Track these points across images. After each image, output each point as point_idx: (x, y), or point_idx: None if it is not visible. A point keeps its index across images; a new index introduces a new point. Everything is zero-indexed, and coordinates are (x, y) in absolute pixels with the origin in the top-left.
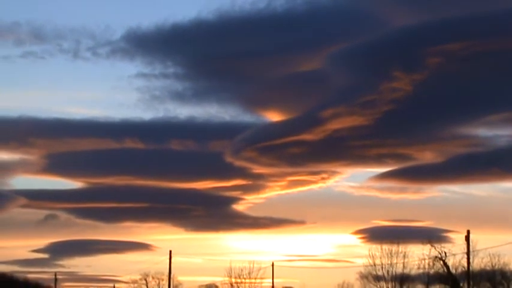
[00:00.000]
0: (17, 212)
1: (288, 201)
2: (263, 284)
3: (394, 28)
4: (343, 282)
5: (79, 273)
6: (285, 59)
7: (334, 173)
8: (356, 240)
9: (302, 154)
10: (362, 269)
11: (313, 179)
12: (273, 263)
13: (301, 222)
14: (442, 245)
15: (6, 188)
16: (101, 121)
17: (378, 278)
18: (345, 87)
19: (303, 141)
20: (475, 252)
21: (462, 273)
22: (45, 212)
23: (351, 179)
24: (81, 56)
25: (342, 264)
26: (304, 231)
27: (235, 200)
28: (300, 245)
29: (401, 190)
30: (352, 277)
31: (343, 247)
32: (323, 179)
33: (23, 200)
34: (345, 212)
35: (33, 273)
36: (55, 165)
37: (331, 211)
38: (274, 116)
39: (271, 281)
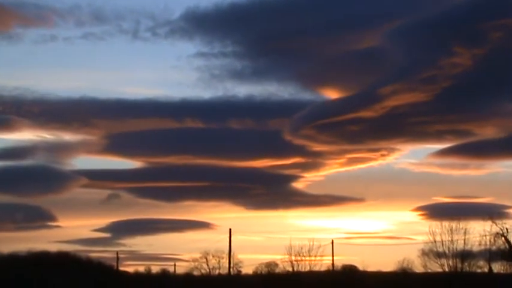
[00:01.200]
0: (78, 191)
1: (347, 178)
2: (323, 262)
3: (454, 2)
4: (404, 260)
5: (140, 252)
6: (343, 36)
7: (393, 149)
8: (416, 217)
9: (361, 131)
10: (422, 246)
11: (373, 156)
12: (332, 241)
13: (361, 200)
14: (504, 221)
15: (68, 168)
16: (161, 101)
17: (438, 255)
18: (403, 63)
19: (362, 119)
20: None
21: None
22: (107, 192)
23: (410, 156)
24: (141, 37)
25: (402, 242)
26: (363, 208)
27: (294, 178)
28: (360, 222)
29: (462, 166)
30: (413, 254)
31: (403, 224)
32: (382, 156)
33: (84, 180)
34: (405, 189)
35: (95, 252)
36: (116, 145)
37: (390, 188)
38: (332, 94)
39: (331, 258)
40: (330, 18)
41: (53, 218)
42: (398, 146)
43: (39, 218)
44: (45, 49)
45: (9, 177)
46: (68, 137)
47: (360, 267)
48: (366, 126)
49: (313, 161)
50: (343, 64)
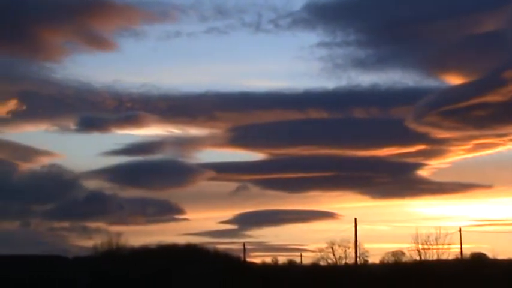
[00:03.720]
0: (205, 184)
1: (474, 165)
2: (451, 250)
3: None
4: None
5: (267, 243)
6: (465, 21)
7: None
8: None
9: (487, 116)
10: None
11: (501, 142)
12: (460, 229)
13: (489, 186)
14: None
15: (194, 161)
16: (284, 92)
17: None
18: None
19: (488, 103)
20: None
21: None
22: (232, 184)
23: None
24: (263, 29)
25: None
26: (492, 195)
27: (419, 165)
28: (488, 209)
29: None
30: None
31: None
32: (511, 141)
33: (211, 173)
34: None
35: (223, 244)
36: (241, 137)
37: None
38: (456, 79)
39: (459, 246)
40: (452, 2)
41: (181, 211)
42: None
43: (168, 211)
44: (169, 45)
45: (139, 171)
46: (193, 131)
47: (490, 255)
48: (492, 110)
49: (438, 148)
50: (466, 49)
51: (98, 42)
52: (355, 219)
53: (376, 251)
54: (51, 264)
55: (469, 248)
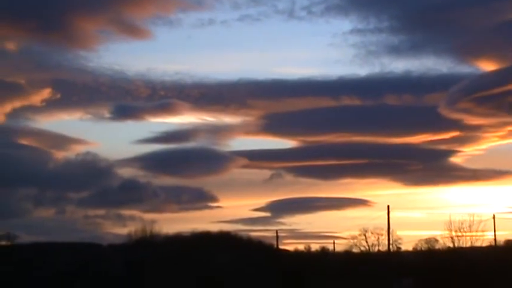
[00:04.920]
0: (238, 172)
1: (508, 151)
2: (484, 237)
3: None
4: None
5: (299, 230)
6: (499, 6)
7: None
8: None
9: None
10: None
11: None
12: (494, 216)
13: None
14: None
15: (227, 149)
16: (317, 80)
17: None
18: None
19: None
20: None
21: None
22: (265, 172)
23: None
24: (296, 16)
25: None
26: None
27: (453, 152)
28: None
29: None
30: None
31: None
32: None
33: (244, 161)
34: None
35: (256, 231)
36: (273, 125)
37: None
38: (489, 65)
39: (493, 234)
40: None
41: (214, 199)
42: None
43: (201, 199)
44: (203, 33)
45: (173, 159)
46: (226, 118)
47: None
48: None
49: (472, 134)
50: (500, 34)
51: (132, 31)
52: (388, 206)
53: (409, 238)
54: (85, 252)
55: (503, 235)
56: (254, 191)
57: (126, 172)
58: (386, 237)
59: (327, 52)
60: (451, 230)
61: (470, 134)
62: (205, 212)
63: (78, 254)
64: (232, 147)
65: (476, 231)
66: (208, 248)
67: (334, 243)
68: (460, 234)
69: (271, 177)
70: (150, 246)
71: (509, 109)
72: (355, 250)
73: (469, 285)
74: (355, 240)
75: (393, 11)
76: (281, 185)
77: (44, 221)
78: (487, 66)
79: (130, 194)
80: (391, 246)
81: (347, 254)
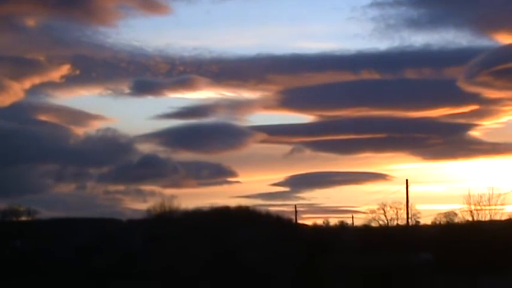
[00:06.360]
0: (257, 147)
1: None
2: (504, 211)
3: None
4: None
5: (318, 205)
6: None
7: None
8: None
9: None
10: None
11: None
12: None
13: None
14: None
15: (246, 124)
16: (336, 54)
17: None
18: None
19: None
20: None
21: None
22: (284, 147)
23: None
24: None
25: None
26: None
27: (472, 126)
28: None
29: None
30: None
31: None
32: None
33: (262, 136)
34: None
35: (274, 206)
36: (292, 100)
37: None
38: (507, 39)
39: None
40: None
41: (233, 174)
42: None
43: (220, 174)
44: (222, 8)
45: (192, 135)
46: (245, 93)
47: None
48: None
49: (491, 108)
50: None
51: (151, 6)
52: (407, 180)
53: (428, 212)
54: (105, 227)
55: None
56: (273, 165)
57: (146, 148)
58: (405, 212)
59: (345, 26)
60: (470, 204)
61: (489, 107)
62: (224, 187)
63: (98, 229)
64: (251, 122)
65: (496, 205)
66: (227, 223)
67: (352, 217)
68: (479, 208)
69: (291, 151)
70: (169, 221)
71: None
72: (373, 224)
73: (488, 259)
74: (374, 215)
75: None
76: (299, 159)
77: (64, 197)
78: (506, 39)
79: (150, 169)
80: (409, 220)
81: (366, 228)
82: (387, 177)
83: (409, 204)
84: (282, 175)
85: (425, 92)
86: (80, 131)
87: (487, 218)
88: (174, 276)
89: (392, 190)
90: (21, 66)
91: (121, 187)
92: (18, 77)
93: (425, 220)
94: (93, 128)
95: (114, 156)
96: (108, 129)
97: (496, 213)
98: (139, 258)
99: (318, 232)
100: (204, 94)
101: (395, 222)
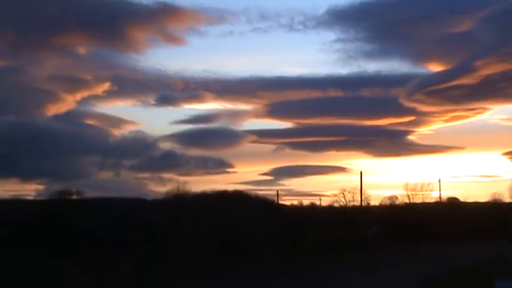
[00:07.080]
0: (249, 146)
1: (451, 132)
2: (432, 195)
3: None
4: (495, 192)
5: (294, 190)
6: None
7: (487, 108)
8: (506, 159)
9: (461, 95)
10: (511, 182)
11: (471, 114)
12: (439, 180)
13: (462, 148)
14: None
15: (241, 128)
16: (310, 77)
17: None
18: (495, 42)
19: (462, 85)
20: None
21: None
22: (269, 146)
23: (501, 113)
24: (295, 29)
25: (494, 179)
26: (464, 154)
27: (410, 132)
28: (462, 165)
29: None
30: (503, 188)
31: (495, 165)
32: (479, 113)
33: (253, 137)
34: (496, 138)
35: (262, 191)
36: (276, 111)
37: (485, 138)
38: (437, 67)
39: (438, 193)
40: (431, 7)
41: (230, 165)
42: (491, 106)
43: (221, 165)
44: (225, 41)
45: (200, 136)
46: (241, 105)
47: (461, 199)
48: (465, 91)
49: (424, 119)
50: (444, 44)
51: (172, 39)
52: (361, 172)
53: (376, 196)
54: (135, 205)
55: (446, 194)
56: (261, 160)
57: (166, 145)
58: (359, 195)
59: (317, 56)
60: (407, 190)
61: (422, 118)
62: (224, 176)
63: (130, 206)
64: (245, 127)
65: (426, 191)
66: (226, 203)
67: (320, 200)
68: (414, 193)
69: (275, 150)
70: (183, 201)
71: (451, 100)
72: (336, 205)
73: (421, 231)
74: (336, 198)
75: (367, 24)
76: (282, 155)
77: (105, 181)
78: (436, 67)
79: (169, 161)
80: (362, 202)
81: (330, 208)
82: (346, 170)
83: (362, 190)
84: (268, 167)
85: (376, 106)
86: (117, 132)
87: (420, 201)
88: (188, 243)
89: (350, 179)
90: (74, 83)
91: (147, 175)
92: (71, 91)
93: (374, 202)
94: (127, 130)
95: (142, 151)
96: (138, 131)
97: (426, 197)
98: (161, 229)
99: (294, 211)
100: (210, 106)
101: (352, 204)
